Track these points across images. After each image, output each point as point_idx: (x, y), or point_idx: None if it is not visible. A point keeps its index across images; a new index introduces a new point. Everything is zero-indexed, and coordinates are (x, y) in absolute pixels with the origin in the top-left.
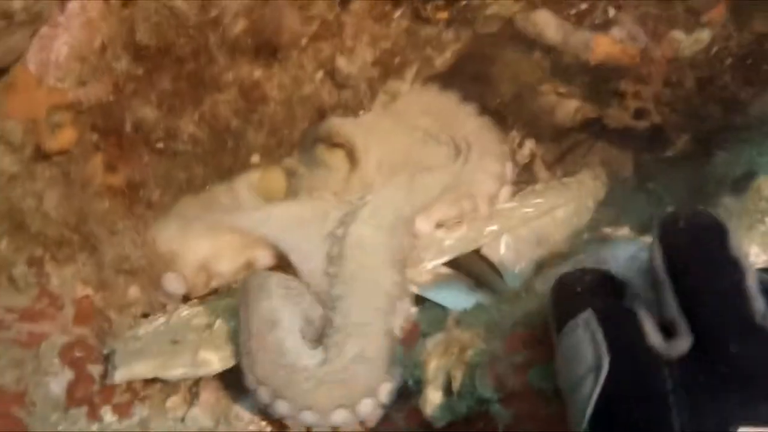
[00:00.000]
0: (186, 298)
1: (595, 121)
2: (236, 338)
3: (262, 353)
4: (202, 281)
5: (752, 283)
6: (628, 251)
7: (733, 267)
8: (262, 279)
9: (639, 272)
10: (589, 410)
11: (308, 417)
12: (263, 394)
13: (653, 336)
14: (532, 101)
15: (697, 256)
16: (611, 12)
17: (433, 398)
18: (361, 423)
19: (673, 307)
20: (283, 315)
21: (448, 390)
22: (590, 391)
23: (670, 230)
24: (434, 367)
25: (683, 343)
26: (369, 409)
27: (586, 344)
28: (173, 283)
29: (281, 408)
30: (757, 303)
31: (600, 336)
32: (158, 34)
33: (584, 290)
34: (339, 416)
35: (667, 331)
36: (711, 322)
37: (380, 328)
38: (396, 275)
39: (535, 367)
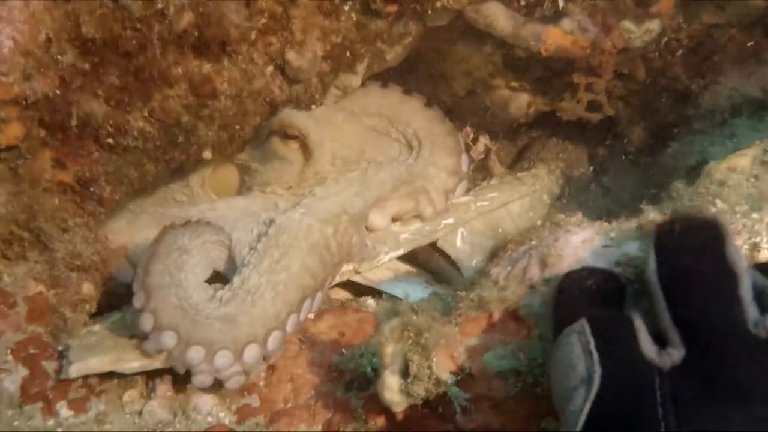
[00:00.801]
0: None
1: (549, 114)
2: None
3: (159, 285)
4: None
5: (745, 290)
6: (580, 236)
7: (727, 276)
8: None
9: (594, 257)
10: (581, 422)
11: (168, 338)
12: (146, 322)
13: (646, 346)
14: (485, 96)
15: (689, 266)
16: (561, 3)
17: (390, 382)
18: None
19: (665, 318)
20: (189, 257)
21: (405, 374)
22: (582, 404)
23: (665, 238)
24: (391, 351)
25: (676, 354)
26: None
27: (579, 355)
28: (123, 272)
29: (146, 323)
30: (750, 310)
31: (592, 347)
32: (104, 27)
33: (582, 296)
34: (193, 353)
35: (660, 339)
36: (703, 333)
37: (270, 310)
38: (315, 265)
39: (491, 349)
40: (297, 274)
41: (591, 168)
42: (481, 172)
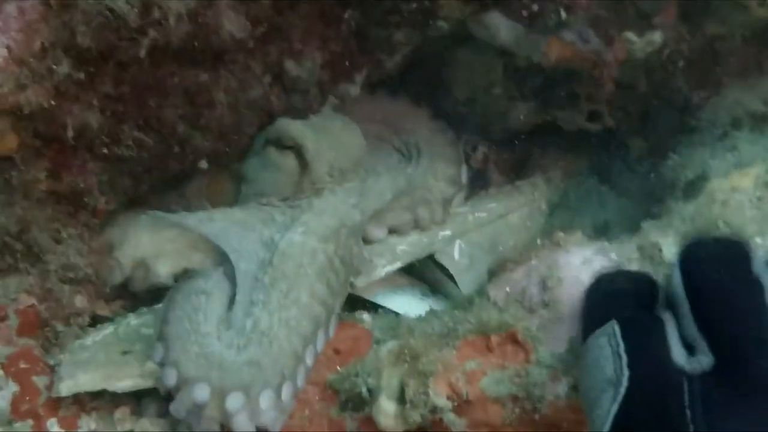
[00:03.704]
0: (127, 292)
1: (550, 124)
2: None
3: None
4: (140, 276)
5: None
6: (580, 256)
7: (753, 286)
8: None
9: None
10: (608, 424)
11: (201, 390)
12: (170, 377)
13: (676, 351)
14: (485, 105)
15: (716, 278)
16: (563, 14)
17: (386, 407)
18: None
19: (692, 328)
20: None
21: (401, 399)
22: (609, 406)
23: (691, 252)
24: (387, 375)
25: (705, 361)
26: (238, 405)
27: (608, 357)
28: (109, 272)
29: (170, 377)
30: None
31: (622, 350)
32: (99, 37)
33: (614, 297)
34: (232, 401)
35: (689, 346)
36: (730, 341)
37: (288, 347)
38: (323, 290)
39: (489, 374)
40: (307, 305)
41: (592, 178)
42: (479, 181)
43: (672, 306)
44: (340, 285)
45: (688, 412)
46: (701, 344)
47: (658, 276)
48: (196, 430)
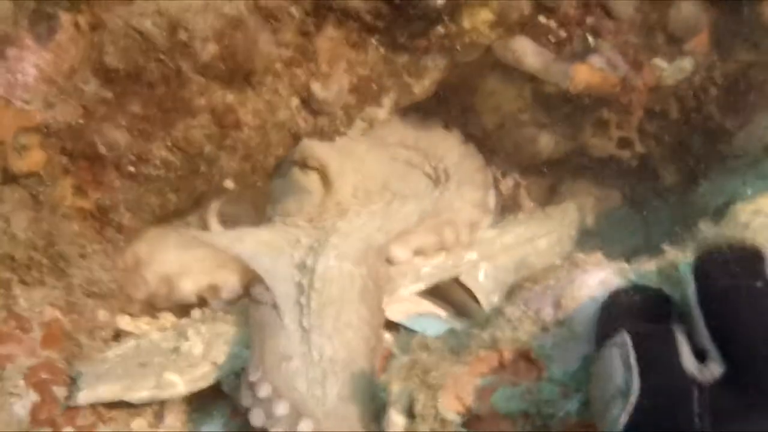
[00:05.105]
0: (151, 310)
1: (581, 150)
2: (207, 359)
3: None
4: (163, 293)
5: None
6: (598, 277)
7: (766, 292)
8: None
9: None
10: None
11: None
12: (265, 390)
13: (687, 360)
14: (514, 131)
15: (728, 284)
16: (590, 40)
17: (395, 420)
18: None
19: (704, 336)
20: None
21: (411, 413)
22: (618, 414)
23: (705, 260)
24: (397, 389)
25: (715, 369)
26: None
27: (618, 367)
28: (136, 287)
29: (281, 408)
30: None
31: (633, 360)
32: (127, 58)
33: (627, 310)
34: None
35: (700, 355)
36: (741, 348)
37: (359, 367)
38: (366, 313)
39: (500, 389)
40: (359, 327)
41: (623, 205)
42: (510, 207)
43: (686, 315)
44: (377, 306)
45: (696, 420)
46: (713, 352)
47: (676, 294)
48: None
